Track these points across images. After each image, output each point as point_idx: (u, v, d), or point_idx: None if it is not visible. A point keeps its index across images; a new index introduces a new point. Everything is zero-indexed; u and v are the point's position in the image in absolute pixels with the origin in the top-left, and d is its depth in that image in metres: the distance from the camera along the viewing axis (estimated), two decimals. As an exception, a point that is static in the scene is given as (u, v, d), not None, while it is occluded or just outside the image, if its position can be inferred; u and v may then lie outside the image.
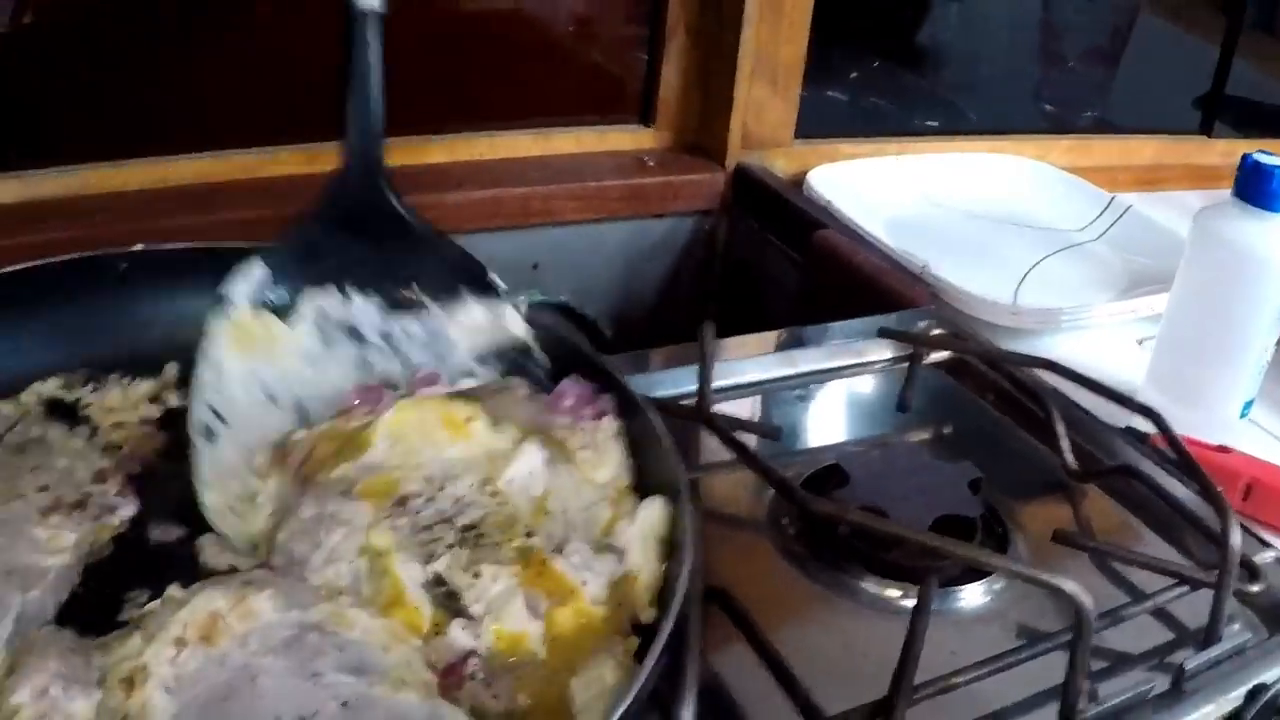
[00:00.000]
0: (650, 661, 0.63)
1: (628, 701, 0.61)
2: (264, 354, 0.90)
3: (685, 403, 1.01)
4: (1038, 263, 1.55)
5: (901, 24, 2.02)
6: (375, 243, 0.92)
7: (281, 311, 0.91)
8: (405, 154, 1.56)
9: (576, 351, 0.93)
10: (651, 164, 1.67)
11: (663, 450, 0.81)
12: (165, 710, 0.64)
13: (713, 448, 1.01)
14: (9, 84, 1.36)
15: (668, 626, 0.65)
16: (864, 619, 0.91)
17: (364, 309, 0.92)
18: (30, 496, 0.82)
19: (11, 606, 0.71)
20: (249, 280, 0.89)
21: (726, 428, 0.96)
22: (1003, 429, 1.17)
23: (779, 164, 1.69)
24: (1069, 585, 0.78)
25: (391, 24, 1.49)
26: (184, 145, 1.47)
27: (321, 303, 0.91)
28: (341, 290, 0.92)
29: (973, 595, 0.93)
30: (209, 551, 0.83)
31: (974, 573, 0.94)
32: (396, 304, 0.93)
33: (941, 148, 1.80)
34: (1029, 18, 2.08)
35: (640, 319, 1.62)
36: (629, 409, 0.87)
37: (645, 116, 1.72)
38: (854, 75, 1.84)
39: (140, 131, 1.45)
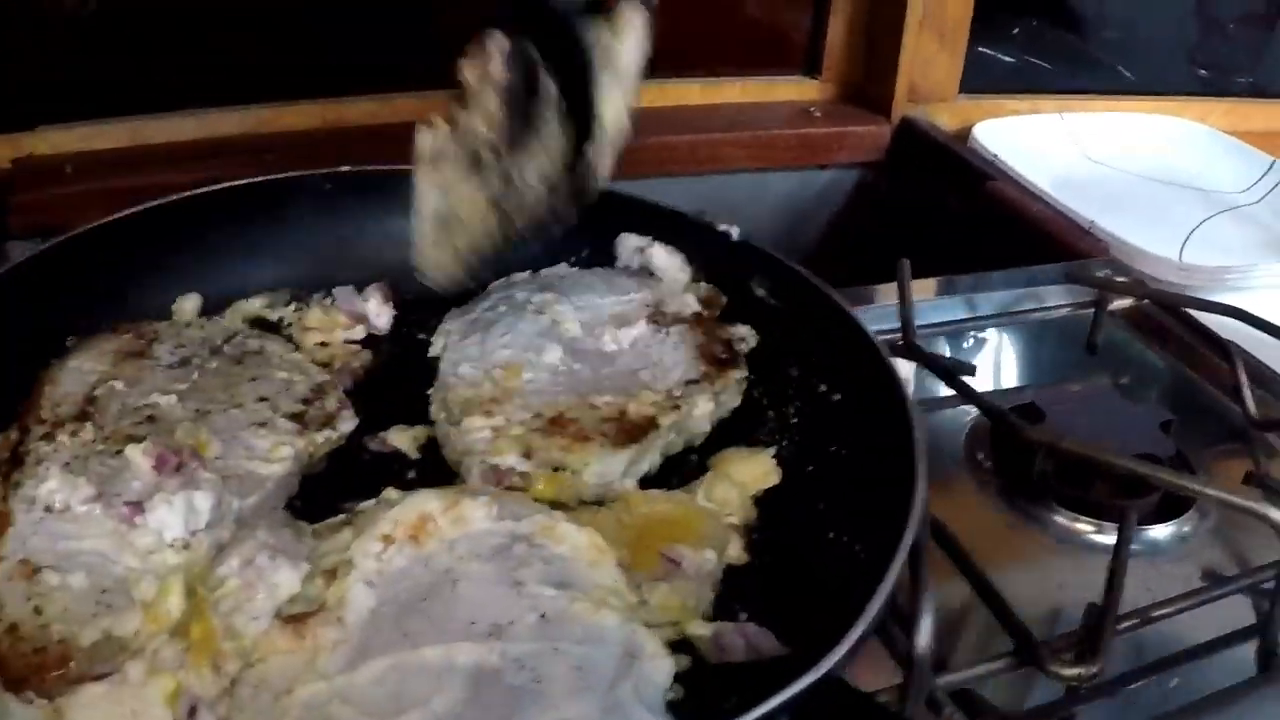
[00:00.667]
0: (894, 569, 0.65)
1: (878, 605, 0.63)
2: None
3: (884, 338, 1.02)
4: (1201, 223, 1.54)
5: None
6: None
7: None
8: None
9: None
10: (818, 115, 1.68)
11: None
12: (364, 603, 0.68)
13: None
14: (187, 27, 1.41)
15: (908, 539, 0.67)
16: (1058, 552, 0.94)
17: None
18: (249, 406, 0.86)
19: (229, 512, 0.75)
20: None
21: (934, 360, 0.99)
22: (1183, 378, 1.18)
23: (943, 118, 1.69)
24: (1276, 514, 0.79)
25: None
26: (352, 89, 1.50)
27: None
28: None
29: (1164, 535, 0.95)
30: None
31: (1166, 513, 0.96)
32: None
33: (1102, 106, 1.79)
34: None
35: (803, 267, 1.64)
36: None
37: (812, 68, 1.73)
38: (1015, 32, 1.83)
39: (310, 75, 1.48)
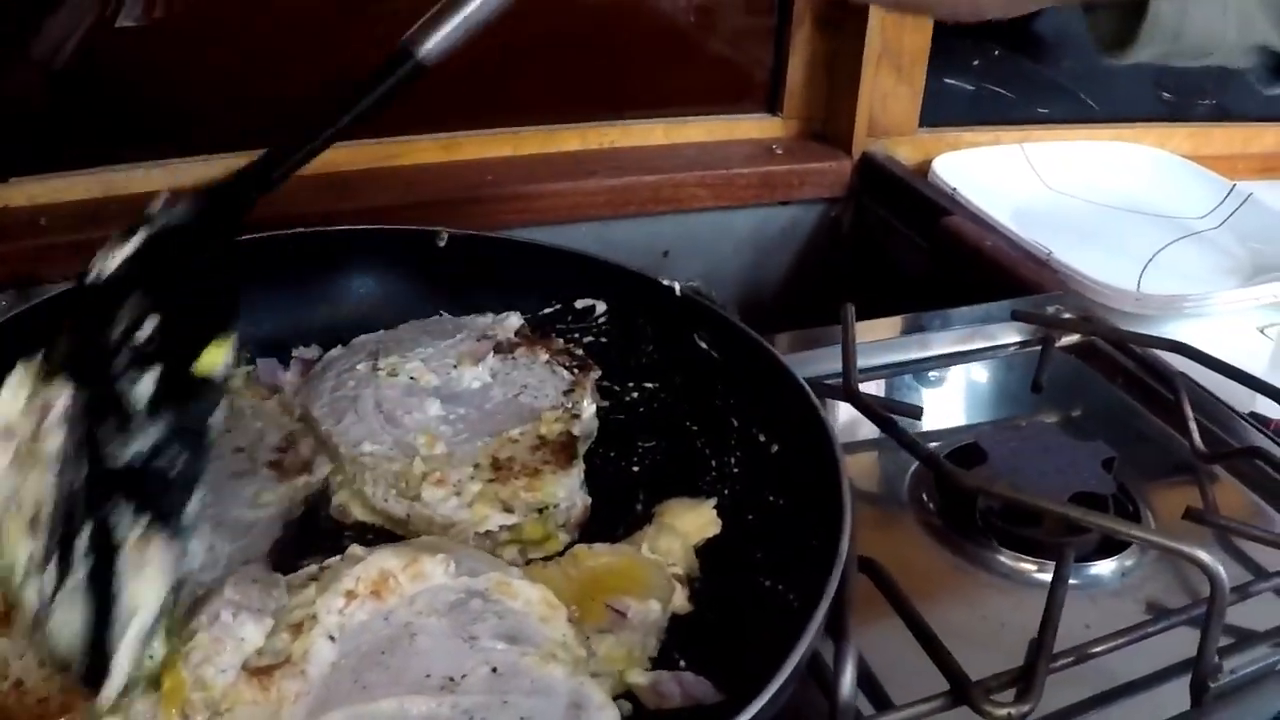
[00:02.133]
0: (818, 618, 0.67)
1: (800, 653, 0.65)
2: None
3: (829, 382, 1.05)
4: (1160, 250, 1.57)
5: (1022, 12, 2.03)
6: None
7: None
8: (540, 141, 1.62)
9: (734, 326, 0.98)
10: (779, 152, 1.71)
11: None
12: (326, 657, 0.70)
13: (852, 427, 1.06)
14: (155, 78, 1.44)
15: (832, 588, 0.70)
16: (1000, 591, 0.95)
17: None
18: (228, 457, 0.89)
19: (222, 556, 0.79)
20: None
21: (872, 405, 1.01)
22: (1131, 411, 1.20)
23: (903, 152, 1.72)
24: (1204, 556, 0.82)
25: (525, 17, 1.56)
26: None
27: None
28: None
29: (1106, 570, 0.97)
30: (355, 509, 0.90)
31: (1106, 550, 0.98)
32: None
33: (1063, 136, 1.82)
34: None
35: (768, 305, 1.66)
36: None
37: (773, 105, 1.76)
38: (975, 63, 1.86)
39: (281, 124, 1.49)
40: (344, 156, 1.52)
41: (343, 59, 1.45)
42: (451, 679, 0.69)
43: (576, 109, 1.65)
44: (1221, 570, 0.81)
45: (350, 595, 0.74)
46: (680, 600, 0.82)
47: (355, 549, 0.80)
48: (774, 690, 0.63)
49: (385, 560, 0.76)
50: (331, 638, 0.72)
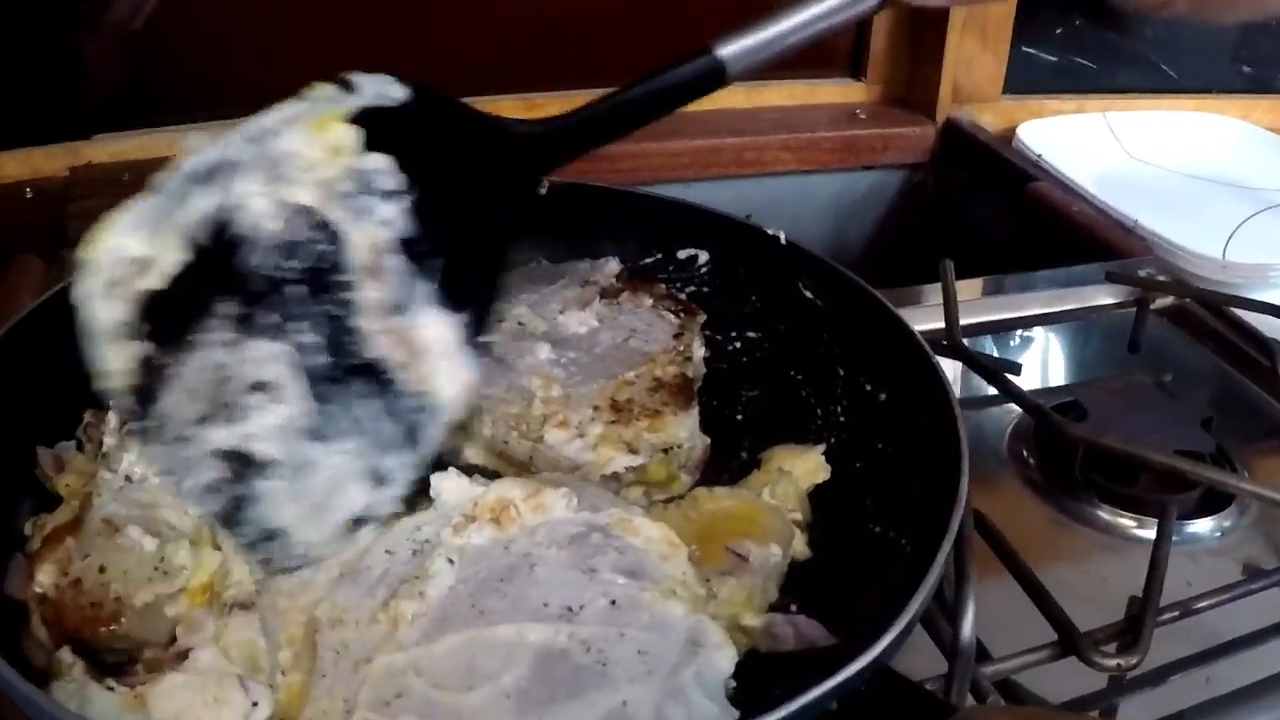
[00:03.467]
0: (940, 560, 0.67)
1: (923, 596, 0.65)
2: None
3: (931, 337, 1.05)
4: (1244, 221, 1.55)
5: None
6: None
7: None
8: (625, 103, 1.63)
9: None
10: (863, 117, 1.71)
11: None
12: (444, 580, 0.71)
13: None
14: (236, 35, 1.47)
15: (953, 531, 0.70)
16: (1101, 547, 0.96)
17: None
18: None
19: None
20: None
21: (976, 358, 1.01)
22: (1225, 376, 1.20)
23: (987, 118, 1.72)
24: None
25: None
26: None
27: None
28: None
29: (1204, 529, 0.98)
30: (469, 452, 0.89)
31: (1205, 509, 0.98)
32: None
33: (1145, 105, 1.82)
34: (1226, -20, 2.08)
35: (851, 269, 1.67)
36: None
37: (856, 70, 1.76)
38: (1059, 32, 1.85)
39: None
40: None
41: (416, 17, 1.48)
42: (569, 609, 0.69)
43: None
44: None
45: (470, 519, 0.75)
46: (800, 545, 0.82)
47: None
48: (896, 633, 0.63)
49: (507, 489, 0.77)
50: (450, 561, 0.72)
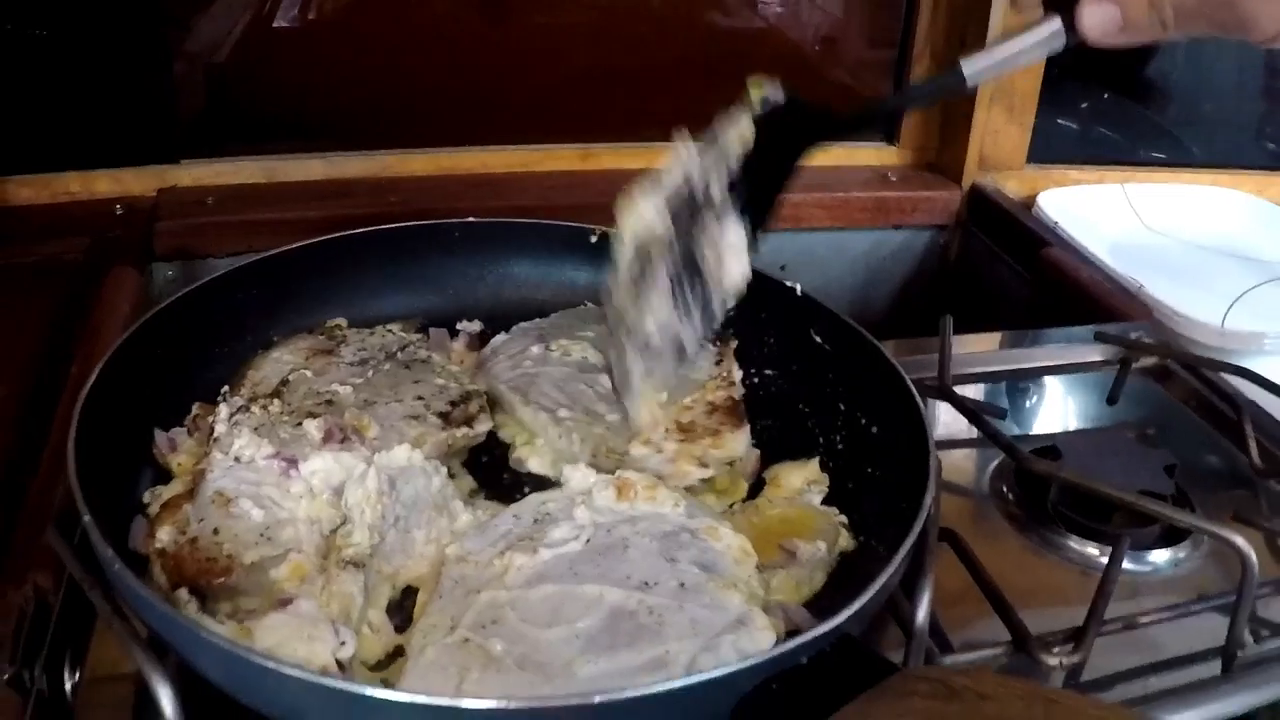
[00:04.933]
0: (902, 553, 0.84)
1: (880, 584, 0.81)
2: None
3: (927, 382, 1.22)
4: (1247, 291, 1.67)
5: (1130, 59, 2.16)
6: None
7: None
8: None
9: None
10: (894, 179, 1.88)
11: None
12: (554, 543, 0.92)
13: (944, 428, 1.24)
14: (320, 75, 1.64)
15: (914, 534, 0.86)
16: (1066, 572, 1.11)
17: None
18: (408, 402, 1.10)
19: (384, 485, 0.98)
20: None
21: (962, 401, 1.18)
22: (1198, 429, 1.35)
23: (1011, 185, 1.87)
24: (1237, 538, 0.97)
25: (663, 39, 1.73)
26: (468, 139, 1.74)
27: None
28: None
29: (1161, 560, 1.12)
30: (532, 462, 1.10)
31: (1163, 542, 1.13)
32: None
33: (1164, 178, 1.95)
34: (1254, 58, 2.19)
35: (877, 321, 1.82)
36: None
37: (890, 136, 1.93)
38: (1084, 105, 1.99)
39: (431, 125, 1.72)
40: (492, 159, 1.71)
41: (481, 65, 1.65)
42: (646, 583, 0.89)
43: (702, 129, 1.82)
44: (1252, 553, 0.97)
45: (597, 489, 0.97)
46: (845, 541, 1.01)
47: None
48: (857, 607, 0.79)
49: (634, 476, 0.99)
50: (579, 531, 0.94)
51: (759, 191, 1.02)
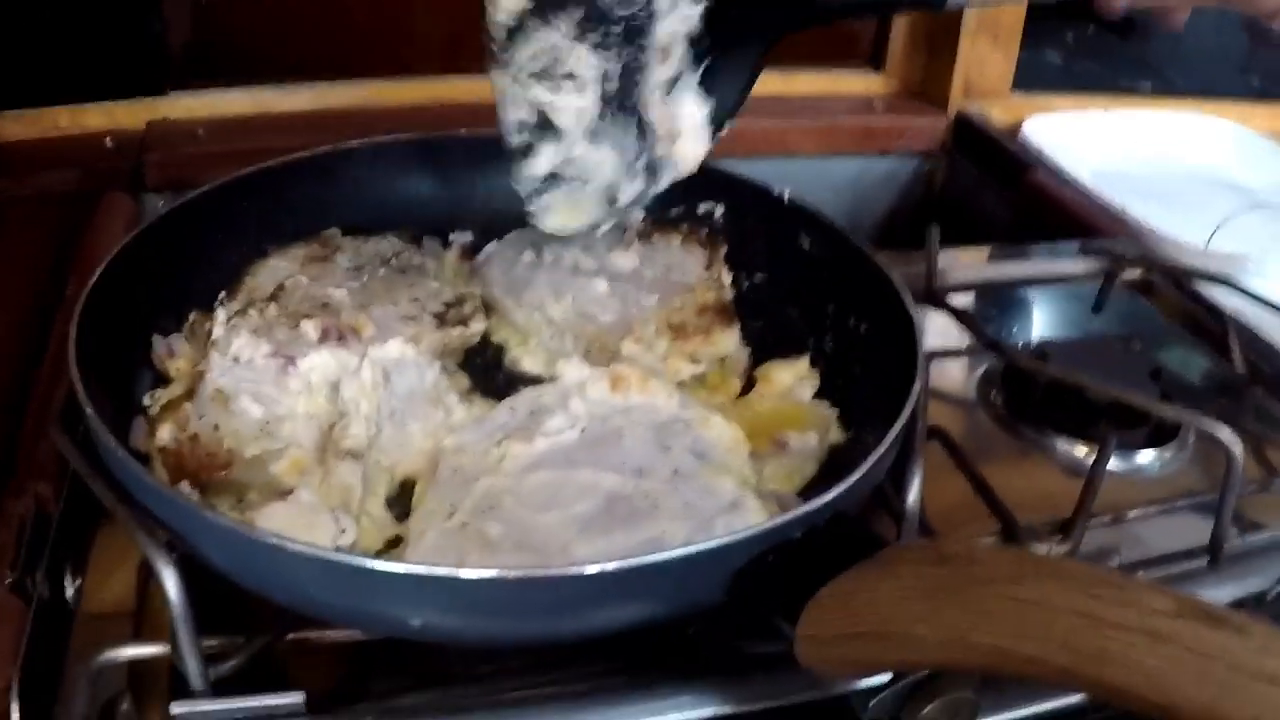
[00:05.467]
0: (894, 432, 0.86)
1: (871, 463, 0.83)
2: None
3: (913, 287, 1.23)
4: (1230, 218, 1.68)
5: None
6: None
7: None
8: (660, 85, 1.81)
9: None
10: (880, 107, 1.90)
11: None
12: (550, 433, 0.94)
13: (931, 337, 1.24)
14: (306, 4, 1.65)
15: (903, 419, 0.88)
16: (1055, 472, 1.14)
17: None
18: (403, 304, 1.12)
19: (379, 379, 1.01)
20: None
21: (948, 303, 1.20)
22: (1183, 340, 1.38)
23: (996, 113, 1.89)
24: (1224, 432, 1.00)
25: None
26: (457, 68, 1.73)
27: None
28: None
29: (1147, 459, 1.15)
30: (525, 362, 1.13)
31: (1150, 442, 1.16)
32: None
33: (1147, 105, 1.98)
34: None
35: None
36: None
37: (876, 63, 1.95)
38: (1069, 37, 2.00)
39: (422, 53, 1.74)
40: (481, 87, 1.71)
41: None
42: (640, 470, 0.91)
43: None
44: (1238, 443, 0.99)
45: (591, 382, 0.99)
46: (836, 433, 1.03)
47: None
48: (848, 484, 0.81)
49: (628, 369, 1.01)
50: (575, 424, 0.96)
51: (724, 65, 1.03)
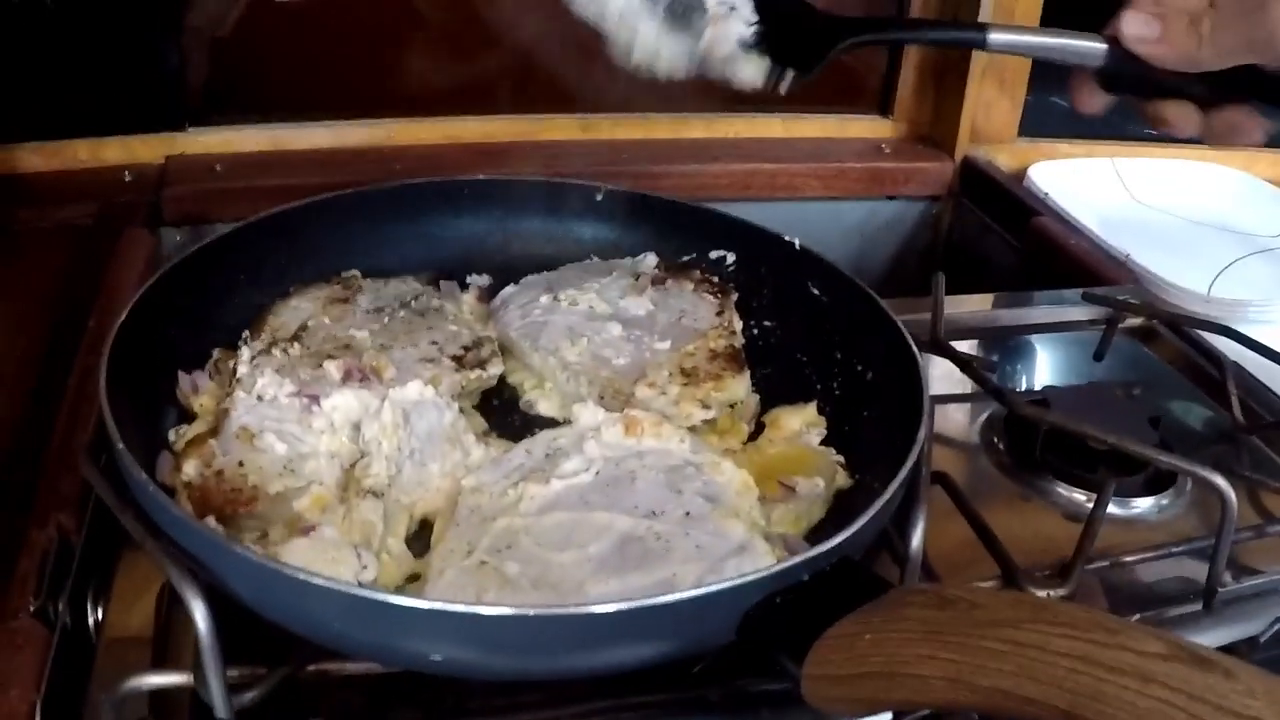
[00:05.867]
0: (899, 479, 0.89)
1: (876, 509, 0.87)
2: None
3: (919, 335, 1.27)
4: (1232, 262, 1.73)
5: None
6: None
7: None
8: (669, 128, 1.87)
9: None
10: (888, 151, 1.93)
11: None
12: (565, 475, 0.97)
13: (937, 383, 1.28)
14: (323, 45, 1.69)
15: (908, 466, 0.91)
16: (1056, 514, 1.17)
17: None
18: (423, 346, 1.15)
19: (399, 420, 1.04)
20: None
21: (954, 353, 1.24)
22: (1182, 388, 1.40)
23: (1002, 158, 1.93)
24: (1219, 479, 1.02)
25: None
26: (472, 109, 1.79)
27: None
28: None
29: (1145, 505, 1.18)
30: (541, 405, 1.17)
31: (1148, 489, 1.19)
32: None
33: (1151, 153, 2.00)
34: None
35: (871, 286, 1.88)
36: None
37: (884, 109, 1.99)
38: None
39: (437, 94, 1.77)
40: (495, 128, 1.76)
41: (469, 44, 1.70)
42: (653, 512, 0.94)
43: (703, 101, 1.90)
44: (1231, 491, 1.01)
45: (605, 426, 1.03)
46: (842, 478, 1.06)
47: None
48: (854, 529, 0.84)
49: (641, 415, 1.05)
50: (590, 464, 0.99)
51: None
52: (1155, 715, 0.58)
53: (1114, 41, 0.94)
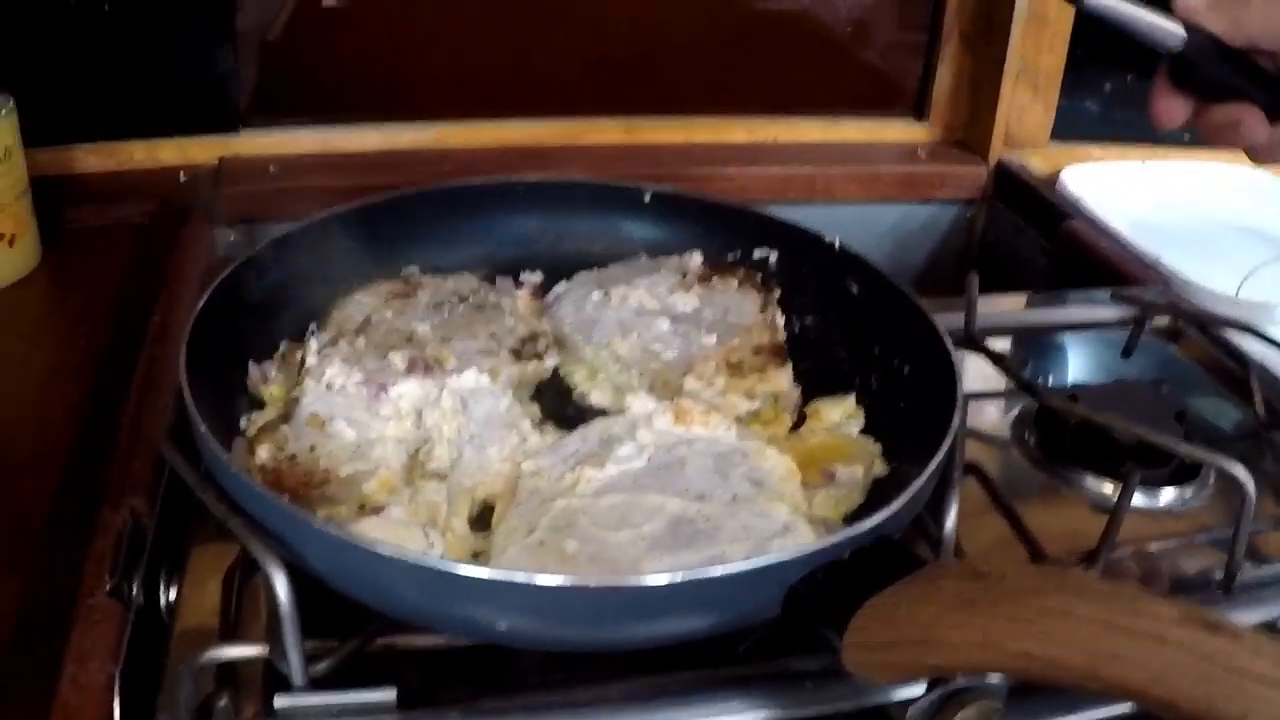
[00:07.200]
0: (935, 463, 0.96)
1: (914, 491, 0.93)
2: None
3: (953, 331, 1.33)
4: (1261, 265, 1.77)
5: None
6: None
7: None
8: (710, 131, 1.93)
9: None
10: (923, 155, 2.00)
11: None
12: (620, 460, 1.04)
13: (968, 380, 1.34)
14: (373, 48, 1.76)
15: (943, 451, 0.98)
16: (1083, 505, 1.24)
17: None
18: (481, 339, 1.23)
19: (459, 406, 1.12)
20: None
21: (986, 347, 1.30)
22: (1209, 387, 1.46)
23: (1035, 162, 1.98)
24: (1238, 469, 1.09)
25: (704, 19, 1.84)
26: (521, 110, 1.86)
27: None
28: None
29: (1170, 496, 1.25)
30: (594, 396, 1.24)
31: (1175, 480, 1.25)
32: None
33: (1183, 156, 2.05)
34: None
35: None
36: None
37: (919, 112, 2.05)
38: (1107, 87, 2.08)
39: (485, 97, 1.84)
40: (540, 131, 1.83)
41: (519, 39, 1.79)
42: (702, 495, 1.01)
43: (744, 105, 1.97)
44: (1250, 480, 1.07)
45: (656, 415, 1.10)
46: (880, 466, 1.13)
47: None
48: (893, 510, 0.91)
49: (691, 402, 1.12)
50: (641, 449, 1.06)
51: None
52: (1167, 673, 0.64)
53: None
